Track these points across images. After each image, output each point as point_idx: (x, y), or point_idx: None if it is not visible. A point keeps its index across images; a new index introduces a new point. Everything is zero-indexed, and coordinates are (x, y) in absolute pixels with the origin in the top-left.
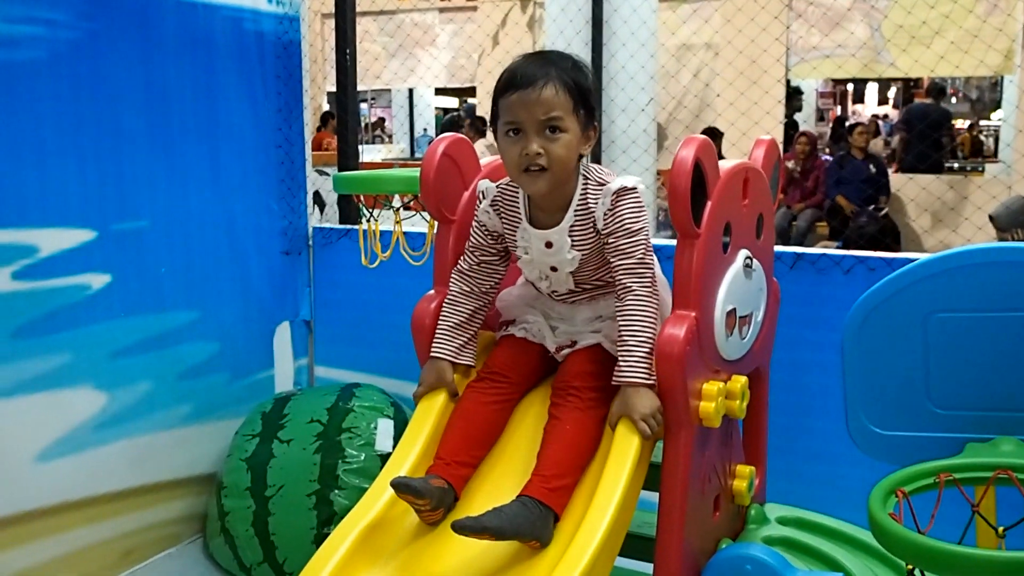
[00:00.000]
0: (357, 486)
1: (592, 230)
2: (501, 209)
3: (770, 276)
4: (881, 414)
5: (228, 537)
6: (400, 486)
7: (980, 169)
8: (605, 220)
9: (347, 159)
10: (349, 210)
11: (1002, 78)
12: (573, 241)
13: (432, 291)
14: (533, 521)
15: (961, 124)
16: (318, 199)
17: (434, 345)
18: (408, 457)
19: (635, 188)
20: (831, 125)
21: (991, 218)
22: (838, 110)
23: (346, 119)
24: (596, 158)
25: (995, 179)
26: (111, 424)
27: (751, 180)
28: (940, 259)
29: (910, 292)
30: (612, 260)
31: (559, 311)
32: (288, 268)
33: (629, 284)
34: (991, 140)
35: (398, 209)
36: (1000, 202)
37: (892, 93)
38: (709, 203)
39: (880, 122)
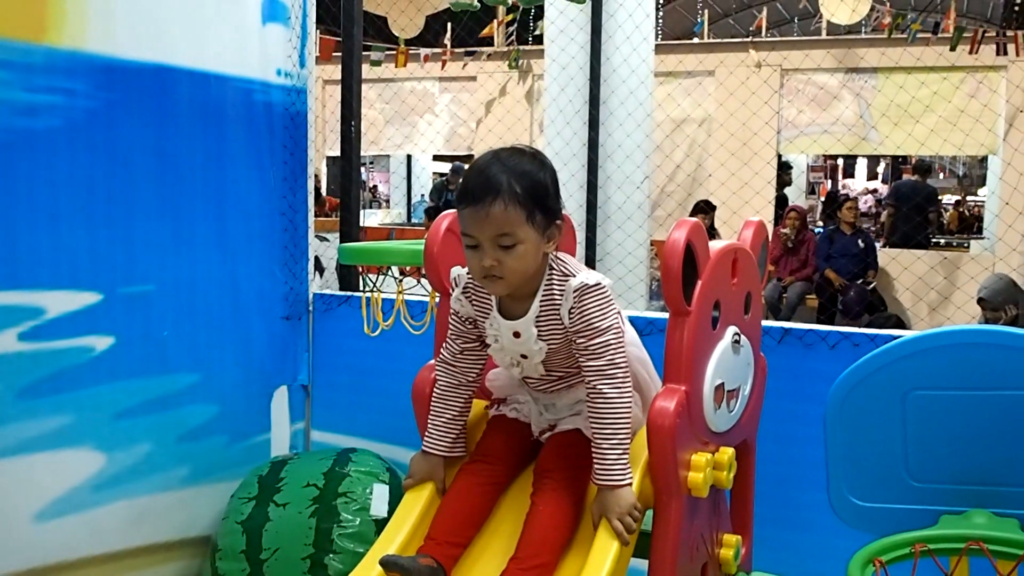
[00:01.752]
0: (352, 550)
1: (559, 323)
2: (472, 297)
3: (757, 351)
4: (861, 486)
5: None
6: (389, 564)
7: (965, 245)
8: (571, 318)
9: (349, 227)
10: (349, 277)
11: (987, 156)
12: (540, 332)
13: (433, 360)
14: None
15: (948, 200)
16: (317, 264)
17: (426, 440)
18: (395, 540)
19: (598, 285)
20: (822, 200)
21: (980, 300)
22: (828, 184)
23: (349, 188)
24: (592, 229)
25: (982, 255)
26: (110, 484)
27: (740, 260)
28: (919, 339)
29: (890, 369)
30: (581, 360)
31: (541, 398)
32: (288, 333)
33: (600, 387)
34: (982, 214)
35: (400, 280)
36: (982, 283)
37: (881, 168)
38: (700, 282)
39: (871, 196)
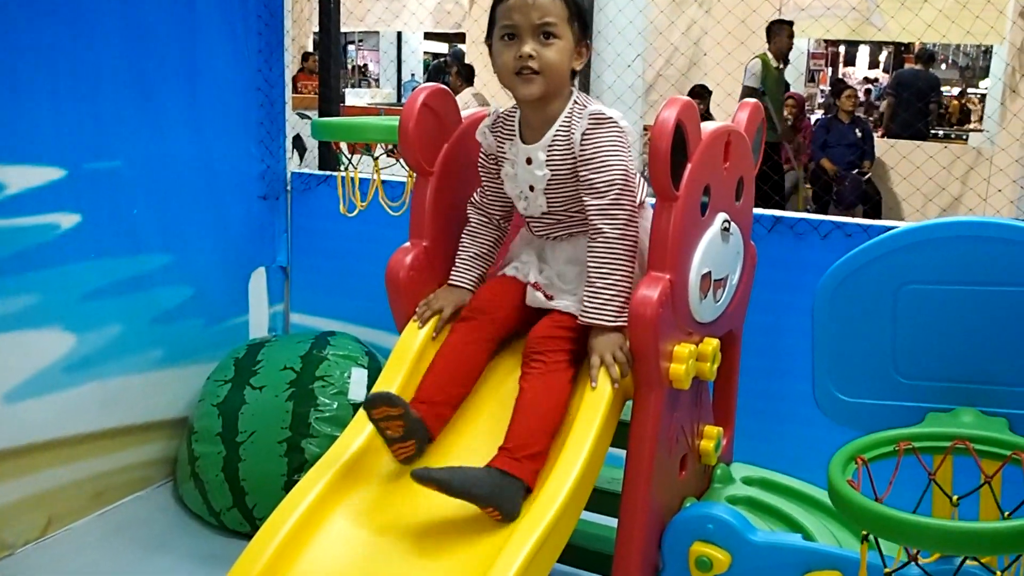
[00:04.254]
0: (329, 435)
1: (569, 151)
2: (499, 129)
3: (748, 240)
4: (847, 381)
5: (198, 482)
6: (374, 398)
7: (964, 138)
8: (582, 145)
9: (328, 104)
10: (329, 156)
11: (991, 47)
12: (548, 157)
13: (407, 243)
14: (491, 488)
15: (949, 91)
16: (298, 143)
17: (453, 273)
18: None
19: (614, 120)
20: (822, 88)
21: None
22: (829, 72)
23: (328, 62)
24: None
25: (982, 145)
26: (81, 366)
27: (733, 143)
28: (915, 230)
29: (884, 262)
30: (584, 198)
31: (545, 250)
32: (266, 213)
33: (600, 226)
34: (980, 107)
35: (377, 158)
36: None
37: (883, 57)
38: (689, 165)
39: (871, 87)
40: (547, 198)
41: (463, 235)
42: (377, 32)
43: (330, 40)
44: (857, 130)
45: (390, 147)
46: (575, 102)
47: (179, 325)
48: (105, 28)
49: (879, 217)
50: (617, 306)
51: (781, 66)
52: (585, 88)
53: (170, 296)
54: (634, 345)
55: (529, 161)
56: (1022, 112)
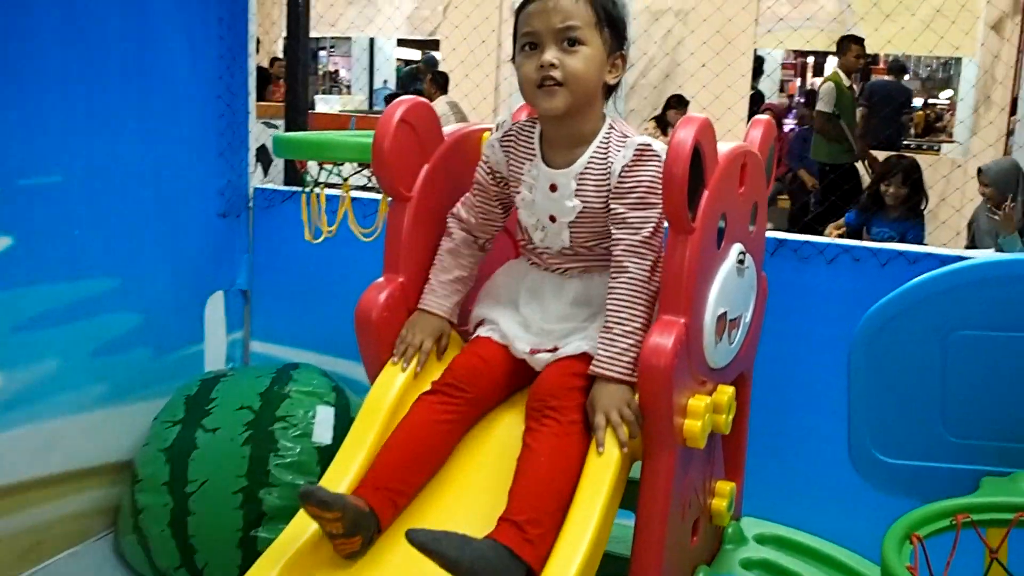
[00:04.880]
0: (291, 483)
1: (604, 182)
2: (512, 145)
3: (760, 270)
4: (888, 440)
5: (141, 536)
6: (307, 495)
7: (936, 148)
8: (621, 177)
9: (295, 113)
10: (296, 170)
11: (958, 59)
12: (579, 187)
13: (381, 279)
14: (498, 572)
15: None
16: (263, 155)
17: (429, 296)
18: (353, 462)
19: (659, 154)
20: (794, 97)
21: (979, 171)
22: (798, 82)
23: (296, 68)
24: None
25: (956, 158)
26: (11, 407)
27: (749, 165)
28: (967, 269)
29: (931, 304)
30: (615, 231)
31: (546, 287)
32: (225, 232)
33: (627, 264)
34: (947, 117)
35: (347, 179)
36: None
37: None
38: (706, 192)
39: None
40: (571, 232)
41: (441, 252)
42: (349, 38)
43: (298, 45)
44: None
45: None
46: (611, 127)
47: (125, 357)
48: (42, 26)
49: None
50: (632, 358)
51: (852, 85)
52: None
53: (115, 325)
54: (645, 401)
55: (554, 188)
56: (997, 121)
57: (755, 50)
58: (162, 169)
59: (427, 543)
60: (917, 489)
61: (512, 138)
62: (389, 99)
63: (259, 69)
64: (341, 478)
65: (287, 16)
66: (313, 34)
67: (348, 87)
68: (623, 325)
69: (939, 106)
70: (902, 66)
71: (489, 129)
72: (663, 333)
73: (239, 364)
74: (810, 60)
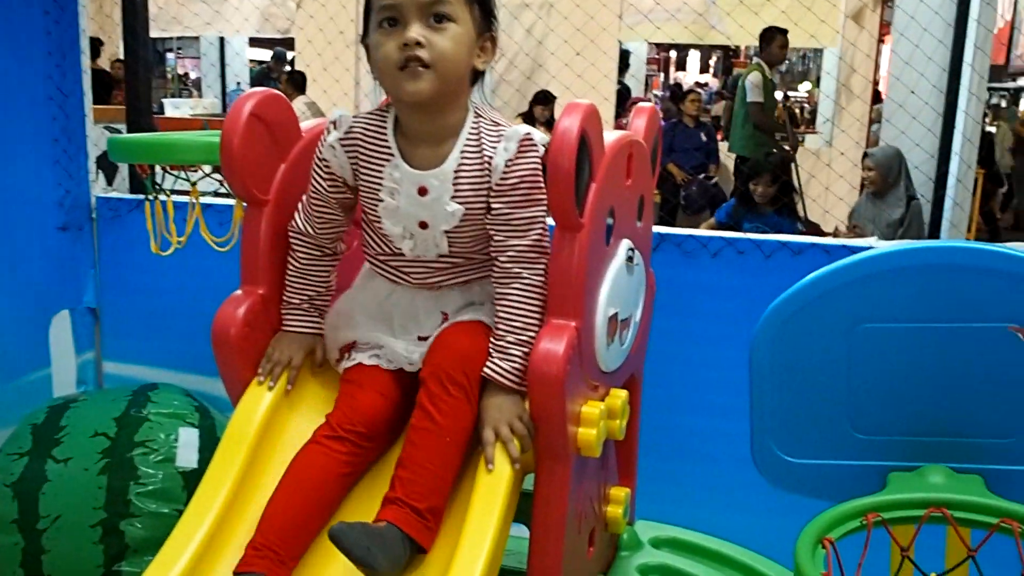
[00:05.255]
0: (155, 512)
1: (483, 180)
2: (359, 144)
3: (648, 266)
4: (792, 439)
5: None
6: None
7: (800, 139)
8: (504, 173)
9: (137, 116)
10: (139, 176)
11: (819, 50)
12: (458, 189)
13: (238, 292)
14: (392, 559)
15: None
16: (106, 163)
17: (292, 319)
18: (217, 496)
19: (538, 144)
20: (655, 92)
21: (865, 155)
22: (661, 77)
23: (136, 67)
24: None
25: (820, 149)
26: None
27: (635, 155)
28: (873, 259)
29: (835, 297)
30: (498, 236)
31: (418, 305)
32: (67, 246)
33: (518, 271)
34: (806, 111)
35: (195, 183)
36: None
37: (713, 61)
38: (594, 185)
39: (702, 91)
40: (450, 238)
41: (289, 271)
42: (197, 38)
43: (137, 41)
44: (702, 134)
45: (211, 169)
46: (477, 115)
47: None
48: None
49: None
50: (524, 367)
51: (774, 77)
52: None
53: None
54: (536, 410)
55: (423, 192)
56: (858, 111)
57: (620, 44)
58: None
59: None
60: (823, 488)
61: (358, 136)
62: None
63: (101, 72)
64: (202, 518)
65: (122, 9)
66: (158, 33)
67: (199, 90)
68: (518, 334)
69: (798, 99)
70: None
71: None
72: (554, 338)
73: (92, 387)
74: (672, 55)
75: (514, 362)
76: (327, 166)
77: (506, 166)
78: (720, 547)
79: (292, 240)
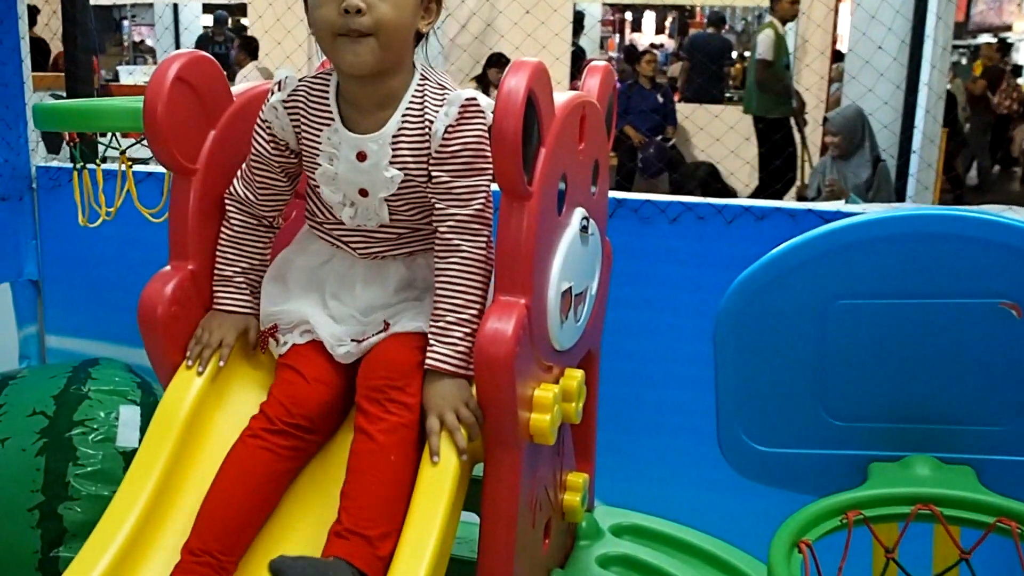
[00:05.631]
0: (94, 494)
1: (424, 146)
2: (301, 107)
3: (604, 236)
4: (762, 426)
5: None
6: None
7: None
8: (444, 139)
9: (76, 83)
10: (84, 144)
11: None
12: (395, 153)
13: (168, 267)
14: None
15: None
16: (50, 133)
17: (222, 296)
18: (142, 492)
19: (483, 107)
20: (612, 54)
21: (825, 119)
22: (617, 39)
23: (74, 32)
24: None
25: None
26: None
27: (588, 117)
28: (849, 228)
29: (808, 271)
30: (439, 205)
31: (357, 275)
32: (6, 217)
33: (457, 242)
34: None
35: (124, 151)
36: (835, 110)
37: (668, 23)
38: (543, 150)
39: (658, 52)
40: (390, 206)
41: (221, 241)
42: (151, 4)
43: (76, 7)
44: (659, 95)
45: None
46: (423, 77)
47: None
48: None
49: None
50: (468, 348)
51: (786, 35)
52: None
53: None
54: (484, 395)
55: (362, 157)
56: (818, 67)
57: (574, 5)
58: None
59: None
60: (797, 480)
61: (300, 98)
62: None
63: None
64: (128, 512)
65: None
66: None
67: (155, 56)
68: (457, 312)
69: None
70: (721, 18)
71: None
72: (501, 317)
73: (36, 362)
74: (628, 16)
75: (456, 344)
76: (268, 128)
77: (446, 132)
78: (685, 535)
79: (228, 207)
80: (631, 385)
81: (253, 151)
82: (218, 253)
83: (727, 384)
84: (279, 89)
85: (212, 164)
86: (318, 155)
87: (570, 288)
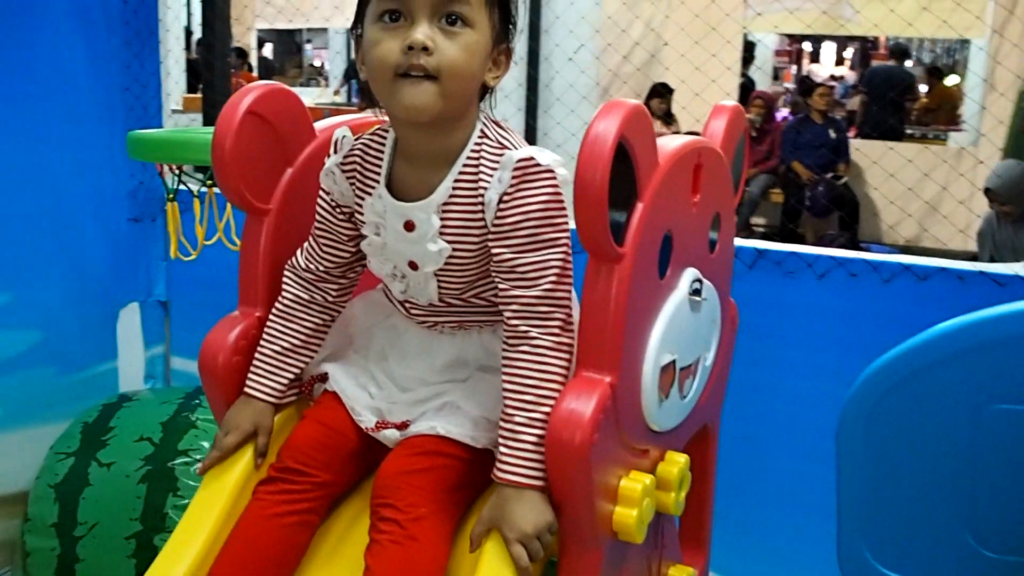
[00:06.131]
0: None
1: (477, 217)
2: (358, 168)
3: (726, 298)
4: (893, 549)
5: None
6: None
7: (943, 137)
8: (501, 210)
9: (213, 107)
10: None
11: (965, 42)
12: (445, 225)
13: (235, 312)
14: None
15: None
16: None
17: (251, 377)
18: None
19: (551, 170)
20: (787, 85)
21: (986, 191)
22: (793, 69)
23: (213, 60)
24: (532, 113)
25: (963, 149)
26: None
27: (706, 166)
28: (1005, 317)
29: (959, 365)
30: (503, 285)
31: (410, 342)
32: (138, 238)
33: (526, 329)
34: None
35: (212, 184)
36: (992, 170)
37: (849, 54)
38: (640, 206)
39: (837, 84)
40: (440, 283)
41: (272, 315)
42: (326, 29)
43: (214, 35)
44: (831, 130)
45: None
46: (483, 133)
47: (20, 376)
48: None
49: (855, 225)
50: (542, 455)
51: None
52: (532, 107)
53: (8, 343)
54: (556, 487)
55: (410, 227)
56: (997, 109)
57: (745, 35)
58: (56, 171)
59: None
60: None
61: (357, 158)
62: (364, 89)
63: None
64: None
65: (201, 2)
66: (291, 25)
67: (327, 80)
68: (527, 412)
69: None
70: (904, 50)
71: (378, 122)
72: (580, 396)
73: (160, 382)
74: (807, 47)
75: (526, 450)
76: (329, 195)
77: (501, 201)
78: None
79: (285, 279)
80: (754, 451)
81: (316, 219)
82: (265, 328)
83: (852, 492)
84: (335, 150)
85: (287, 204)
86: (364, 225)
87: (673, 362)
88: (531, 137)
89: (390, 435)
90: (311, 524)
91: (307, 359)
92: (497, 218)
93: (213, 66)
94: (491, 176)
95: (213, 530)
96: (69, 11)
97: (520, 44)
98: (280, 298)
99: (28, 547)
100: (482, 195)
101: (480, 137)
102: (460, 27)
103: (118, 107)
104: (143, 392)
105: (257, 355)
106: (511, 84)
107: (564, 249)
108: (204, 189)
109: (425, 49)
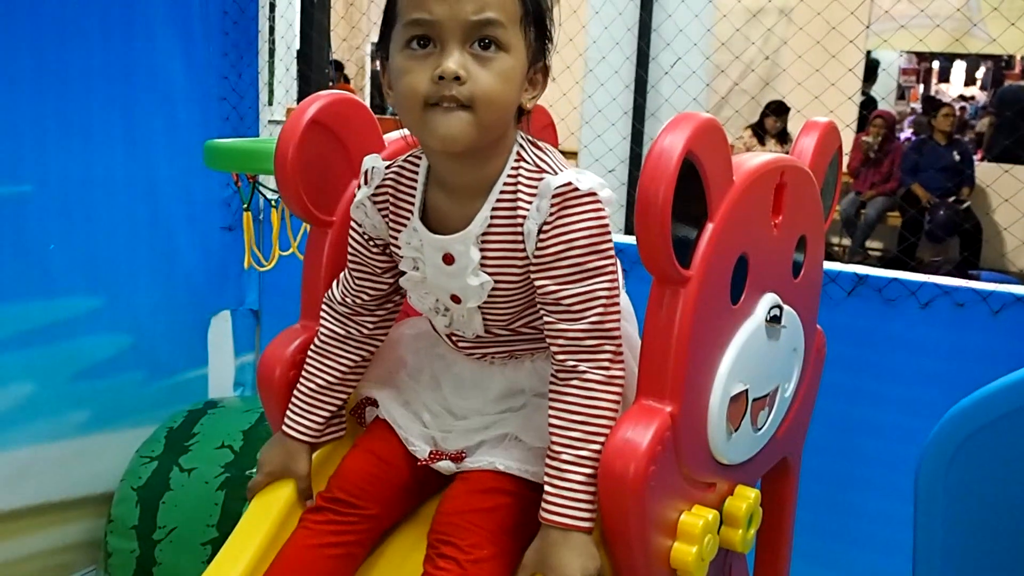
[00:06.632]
0: None
1: (518, 247)
2: (390, 197)
3: (812, 325)
4: None
5: None
6: None
7: None
8: (542, 240)
9: None
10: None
11: None
12: (485, 257)
13: (296, 325)
14: None
15: None
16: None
17: (288, 415)
18: None
19: (593, 194)
20: (912, 105)
21: None
22: (921, 88)
23: (309, 72)
24: (638, 141)
25: None
26: None
27: (790, 185)
28: None
29: None
30: (548, 319)
31: (463, 373)
32: (231, 246)
33: (574, 364)
34: None
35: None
36: None
37: (981, 73)
38: (709, 226)
39: (967, 105)
40: (484, 316)
41: (310, 351)
42: None
43: (311, 47)
44: (955, 153)
45: None
46: (520, 157)
47: (111, 381)
48: (11, 20)
49: (977, 252)
50: (591, 496)
51: None
52: (640, 109)
53: (99, 347)
54: (608, 520)
55: (449, 260)
56: None
57: (868, 52)
58: (153, 178)
59: None
60: None
61: (389, 190)
62: None
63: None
64: None
65: (300, 16)
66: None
67: None
68: (575, 449)
69: None
70: None
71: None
72: (636, 425)
73: (250, 390)
74: (935, 65)
75: (573, 491)
76: (360, 228)
77: (541, 232)
78: None
79: (322, 313)
80: (838, 488)
81: (349, 252)
82: (304, 363)
83: (930, 543)
84: (365, 182)
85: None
86: (401, 259)
87: (745, 392)
88: (636, 163)
89: (444, 466)
90: (356, 557)
91: (344, 396)
92: (538, 249)
93: (309, 78)
94: (529, 204)
95: (256, 554)
96: (169, 21)
97: (626, 70)
98: (318, 334)
99: (110, 548)
100: (521, 224)
101: (516, 161)
102: (494, 51)
103: (214, 117)
104: (229, 399)
105: (295, 392)
106: (616, 112)
107: (610, 277)
108: (280, 200)
109: (457, 78)
